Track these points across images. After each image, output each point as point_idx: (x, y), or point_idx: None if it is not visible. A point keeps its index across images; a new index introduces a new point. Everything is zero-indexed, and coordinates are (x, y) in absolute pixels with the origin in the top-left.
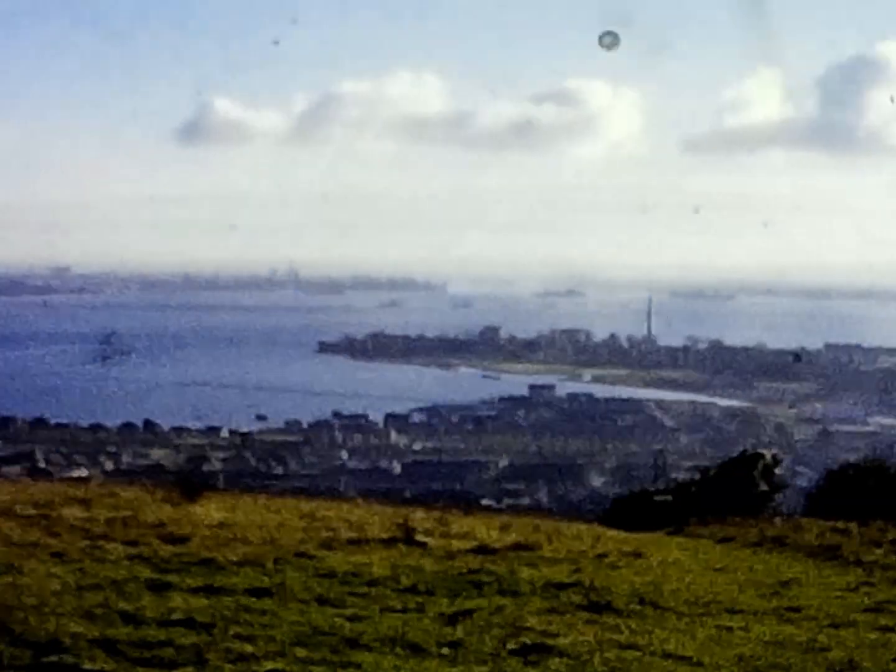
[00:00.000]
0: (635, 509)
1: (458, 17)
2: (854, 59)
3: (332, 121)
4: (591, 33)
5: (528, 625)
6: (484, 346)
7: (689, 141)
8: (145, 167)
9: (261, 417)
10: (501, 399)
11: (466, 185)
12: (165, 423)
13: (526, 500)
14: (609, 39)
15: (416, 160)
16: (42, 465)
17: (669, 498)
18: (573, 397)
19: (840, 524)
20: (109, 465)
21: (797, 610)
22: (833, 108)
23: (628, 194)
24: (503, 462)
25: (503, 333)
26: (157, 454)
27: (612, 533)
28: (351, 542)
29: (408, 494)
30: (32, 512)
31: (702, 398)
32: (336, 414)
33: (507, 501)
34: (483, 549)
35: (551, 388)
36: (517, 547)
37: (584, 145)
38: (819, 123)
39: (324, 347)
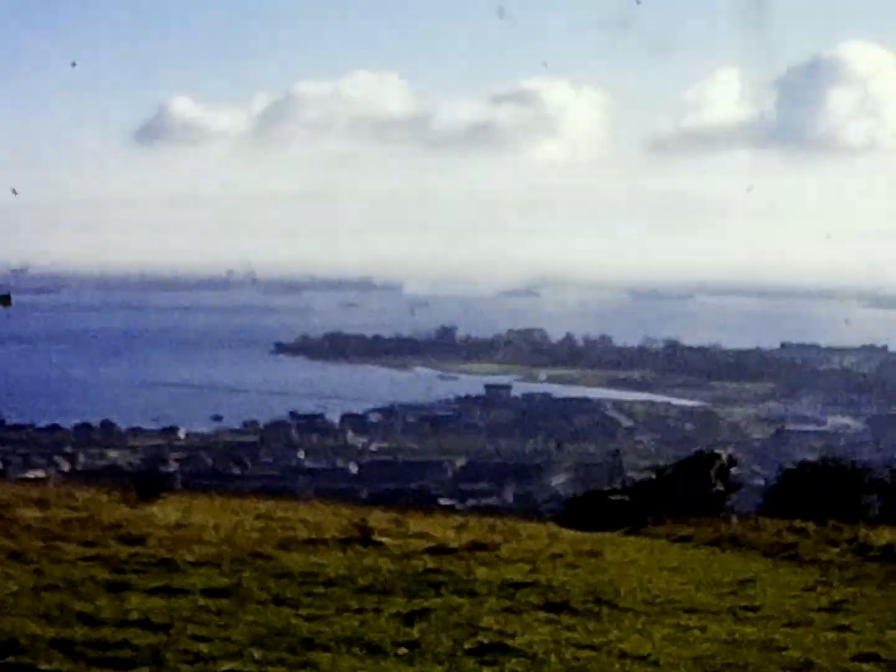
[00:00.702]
0: (592, 509)
1: (418, 18)
2: (813, 59)
3: (292, 121)
4: (552, 33)
5: (485, 624)
6: (441, 346)
7: (650, 141)
8: (104, 168)
9: (217, 418)
10: (458, 399)
11: (426, 185)
12: (122, 424)
13: (483, 500)
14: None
15: (376, 161)
16: None
17: (626, 497)
18: (529, 397)
19: (797, 523)
20: (66, 466)
21: (754, 609)
22: (793, 109)
23: (588, 195)
24: (460, 462)
25: (460, 334)
26: (114, 455)
27: (568, 533)
28: (308, 542)
29: (364, 494)
30: None
31: (658, 398)
32: (293, 414)
33: (464, 501)
34: (440, 549)
35: (508, 388)
36: (474, 547)
37: (545, 146)
38: (779, 124)
39: (281, 348)
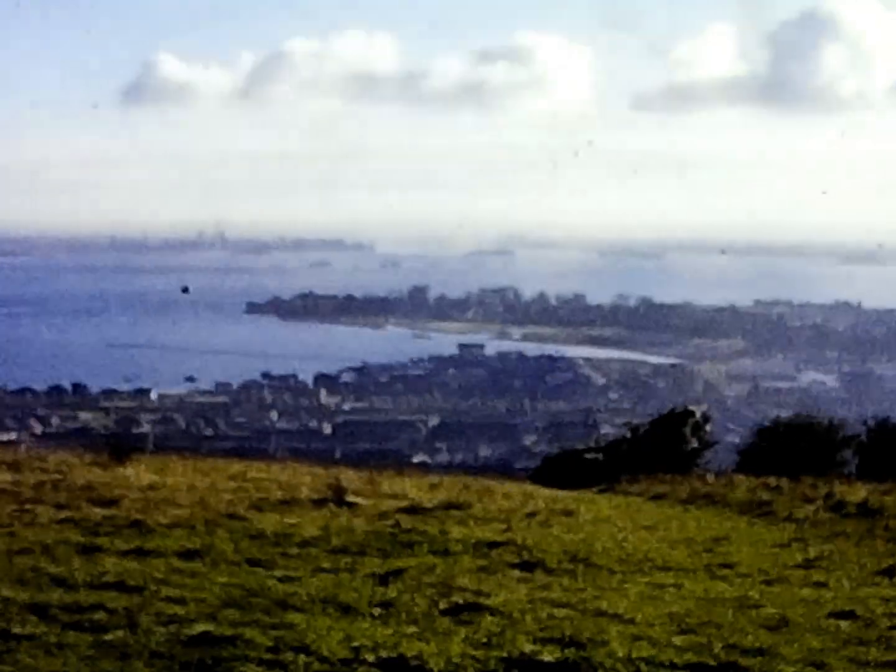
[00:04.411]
0: (566, 467)
1: None
2: (806, 13)
3: (279, 79)
4: None
5: (460, 584)
6: (413, 305)
7: (639, 98)
8: (84, 128)
9: (190, 379)
10: (431, 358)
11: (411, 144)
12: (94, 386)
13: (456, 459)
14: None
15: (363, 120)
16: None
17: (600, 456)
18: (503, 356)
19: (771, 480)
20: (38, 429)
21: (729, 567)
22: (784, 64)
23: (569, 153)
24: (433, 421)
25: (432, 293)
26: (86, 417)
27: (543, 491)
28: (281, 503)
29: (338, 455)
30: None
31: (632, 356)
32: (265, 375)
33: (437, 460)
34: (414, 509)
35: (481, 346)
36: (448, 506)
37: (532, 103)
38: (770, 79)
39: (252, 308)
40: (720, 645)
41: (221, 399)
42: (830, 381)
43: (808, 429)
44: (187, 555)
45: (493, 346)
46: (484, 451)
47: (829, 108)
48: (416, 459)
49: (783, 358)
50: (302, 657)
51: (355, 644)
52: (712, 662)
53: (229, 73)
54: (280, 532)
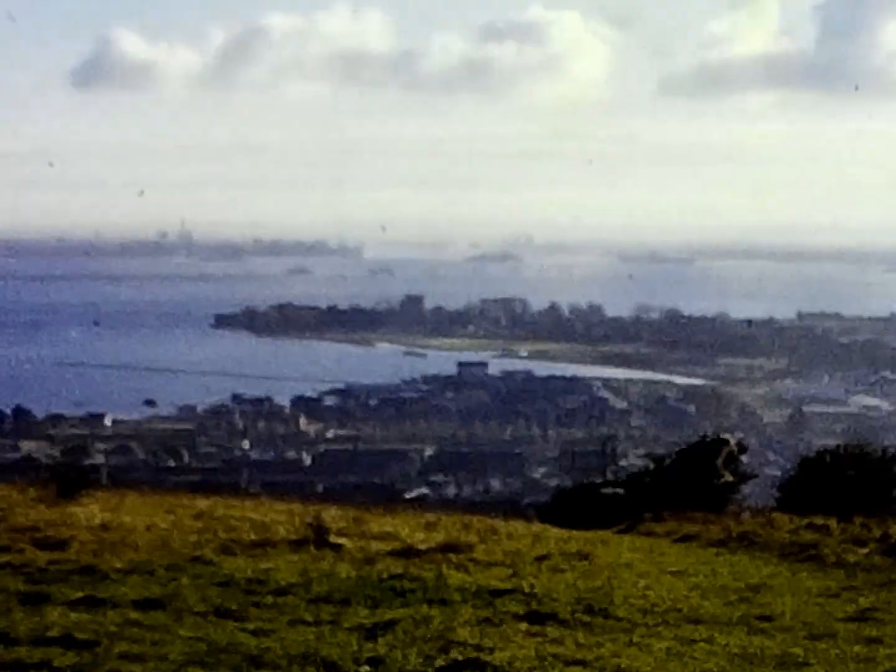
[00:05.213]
0: (581, 504)
1: None
2: None
3: (254, 60)
4: None
5: (459, 638)
6: (406, 318)
7: (665, 82)
8: (25, 114)
9: (150, 403)
10: (426, 379)
11: (404, 134)
12: (39, 411)
13: (455, 494)
14: None
15: (349, 106)
16: None
17: (620, 491)
18: (508, 376)
19: (817, 520)
20: None
21: (769, 619)
22: (833, 42)
23: (585, 145)
24: (429, 451)
25: (428, 304)
26: (30, 446)
27: (554, 531)
28: (254, 545)
29: (319, 489)
30: None
31: (656, 376)
32: (236, 397)
33: (433, 496)
34: (406, 552)
35: (483, 365)
36: (446, 548)
37: (543, 88)
38: (814, 60)
39: (221, 321)
40: None
41: (185, 426)
42: (885, 405)
43: (859, 460)
44: (146, 605)
45: (496, 365)
46: (487, 485)
47: (885, 92)
48: (409, 495)
49: (830, 379)
50: None
51: None
52: None
53: (197, 53)
54: (253, 578)
